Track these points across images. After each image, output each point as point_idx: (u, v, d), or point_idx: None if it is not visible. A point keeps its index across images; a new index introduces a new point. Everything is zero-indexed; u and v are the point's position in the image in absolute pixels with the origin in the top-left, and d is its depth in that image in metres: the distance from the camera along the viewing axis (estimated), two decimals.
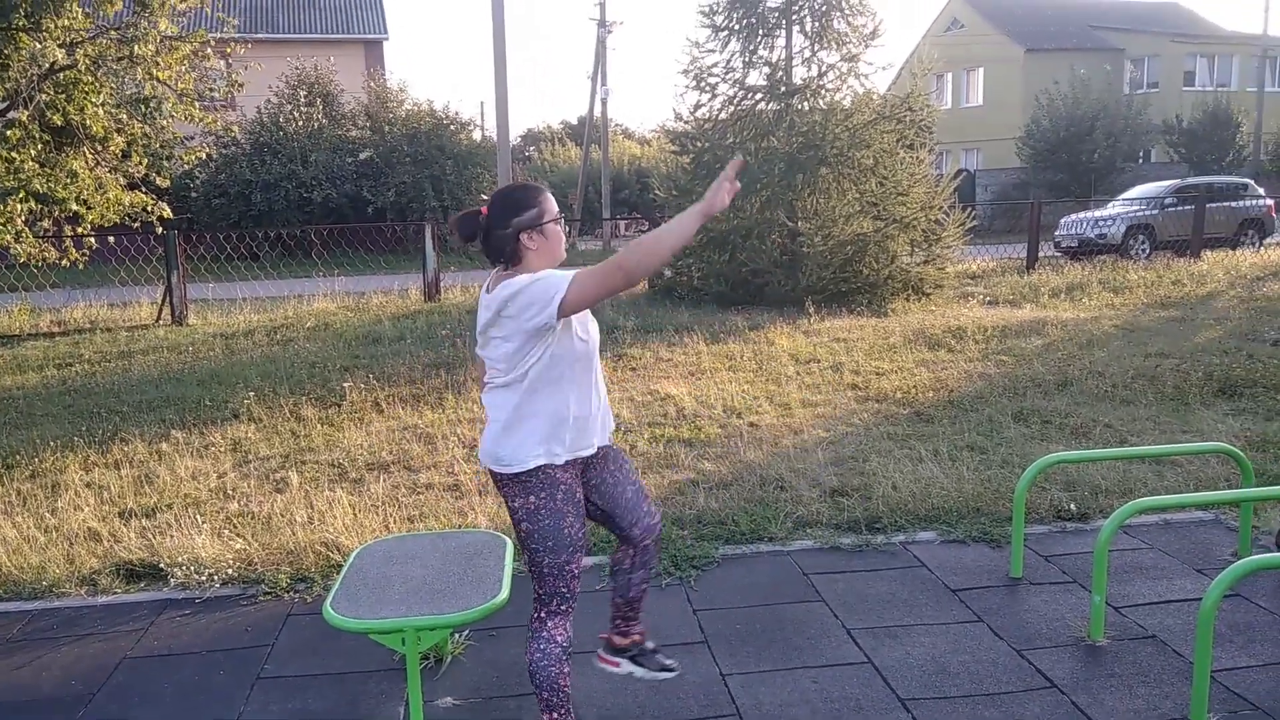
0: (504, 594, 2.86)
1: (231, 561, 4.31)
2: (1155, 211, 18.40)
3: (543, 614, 2.70)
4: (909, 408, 6.85)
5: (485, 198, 2.82)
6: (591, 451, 2.78)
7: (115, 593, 4.17)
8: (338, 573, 4.07)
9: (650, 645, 3.15)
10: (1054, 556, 4.28)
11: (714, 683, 3.29)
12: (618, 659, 3.10)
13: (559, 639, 2.69)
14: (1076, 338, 9.22)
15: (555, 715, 2.70)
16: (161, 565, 4.31)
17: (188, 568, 4.25)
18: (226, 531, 4.69)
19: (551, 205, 2.69)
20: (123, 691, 3.33)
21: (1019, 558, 4.09)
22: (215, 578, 4.19)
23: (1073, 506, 4.77)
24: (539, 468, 2.62)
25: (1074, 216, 19.49)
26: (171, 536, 4.59)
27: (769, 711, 3.10)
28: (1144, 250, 17.91)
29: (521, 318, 2.53)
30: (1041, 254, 16.35)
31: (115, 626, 3.83)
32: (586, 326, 2.74)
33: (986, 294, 12.57)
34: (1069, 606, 3.81)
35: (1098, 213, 19.06)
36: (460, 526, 4.64)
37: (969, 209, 13.65)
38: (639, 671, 3.09)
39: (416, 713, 2.83)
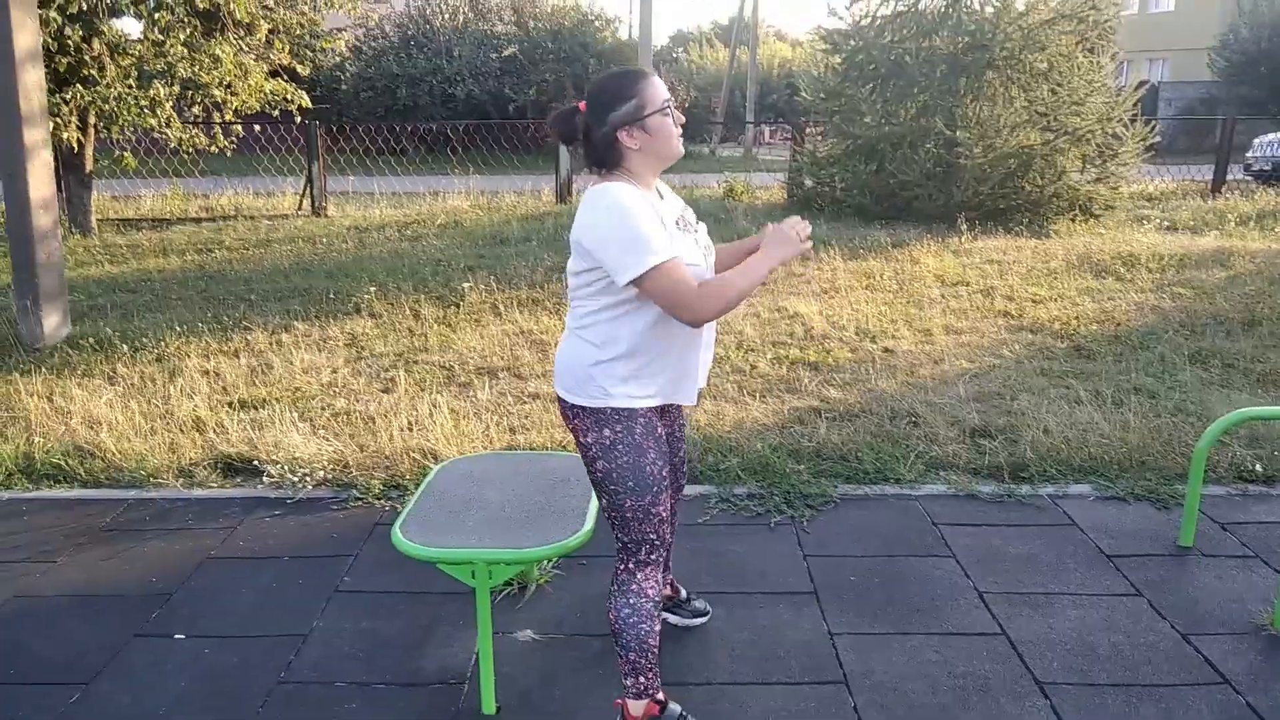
0: (587, 529, 2.55)
1: (327, 463, 4.17)
2: None
3: (630, 565, 2.37)
4: (1068, 341, 6.17)
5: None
6: (689, 402, 2.42)
7: (210, 486, 4.09)
8: None
9: (683, 594, 3.03)
10: (1232, 525, 3.69)
11: (820, 642, 2.93)
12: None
13: (650, 592, 2.36)
14: (1267, 271, 8.18)
15: (643, 679, 2.39)
16: (258, 461, 4.21)
17: (283, 466, 4.13)
18: (325, 430, 4.56)
19: (655, 94, 2.20)
20: (200, 594, 3.22)
21: (1191, 524, 3.52)
22: (309, 479, 4.06)
23: (1258, 467, 4.12)
24: (618, 406, 2.27)
25: (1270, 136, 17.48)
26: (272, 432, 4.49)
27: (880, 682, 2.73)
28: None
29: (596, 255, 2.17)
30: (1229, 177, 14.77)
31: (205, 523, 3.74)
32: (709, 257, 2.37)
33: (1164, 218, 11.39)
34: (1249, 586, 3.25)
35: None
36: (558, 446, 4.36)
37: (1151, 123, 12.31)
38: (673, 618, 2.98)
39: (486, 652, 2.57)
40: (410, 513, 2.66)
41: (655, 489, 2.30)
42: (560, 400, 2.35)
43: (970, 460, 4.25)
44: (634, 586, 2.36)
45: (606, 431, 2.27)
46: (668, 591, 3.01)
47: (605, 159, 2.24)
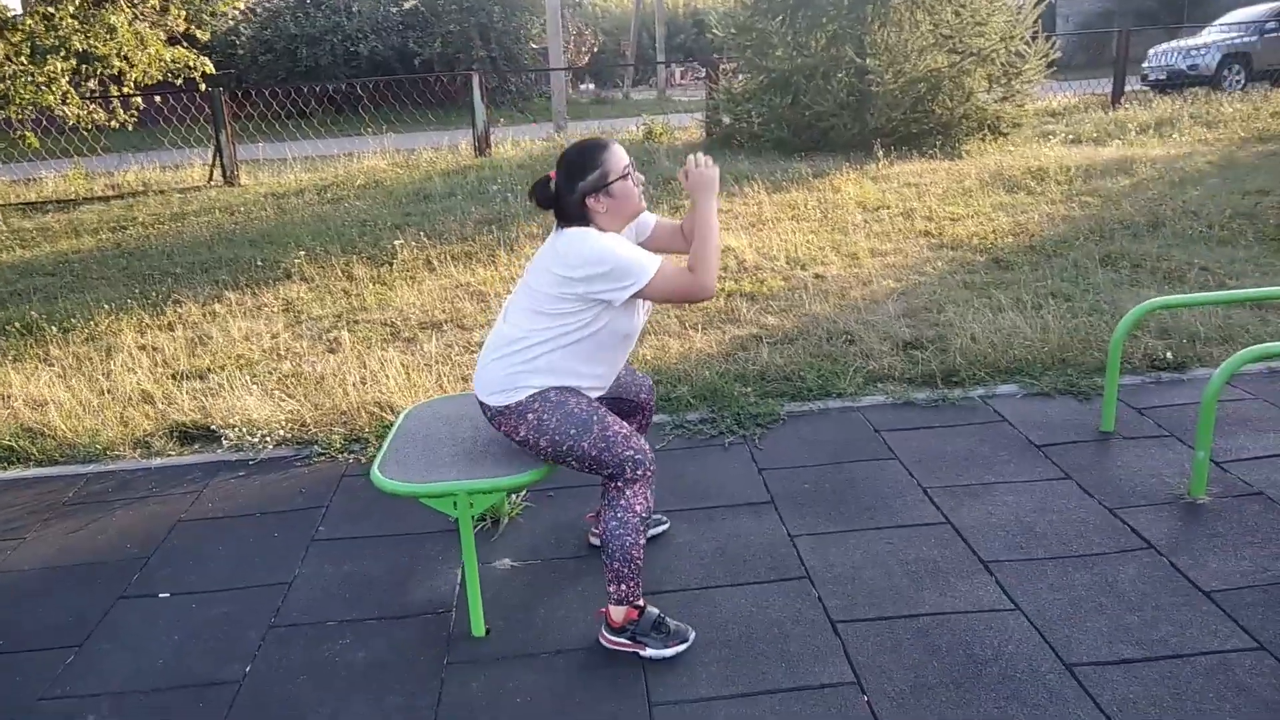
0: None
1: (284, 423, 4.21)
2: (1254, 38, 16.97)
3: (619, 484, 2.53)
4: (986, 254, 6.44)
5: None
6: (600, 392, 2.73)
7: (169, 455, 4.11)
8: None
9: None
10: (1148, 409, 3.99)
11: (781, 544, 3.12)
12: None
13: (638, 508, 2.53)
14: (1167, 176, 8.60)
15: (625, 587, 2.56)
16: (214, 427, 4.24)
17: (240, 429, 4.17)
18: (279, 393, 4.60)
19: (616, 163, 2.50)
20: (177, 555, 3.28)
21: (1111, 411, 3.79)
22: (268, 439, 4.11)
23: (1169, 355, 4.43)
24: (530, 395, 2.53)
25: (1163, 47, 18.09)
26: (224, 398, 4.51)
27: (840, 574, 2.93)
28: (1239, 81, 16.64)
29: (591, 284, 2.41)
30: (1127, 88, 15.29)
31: (169, 489, 3.78)
32: (647, 305, 2.64)
33: (1069, 132, 11.80)
34: (1166, 462, 3.54)
35: (1189, 41, 17.68)
36: None
37: (1051, 39, 12.66)
38: None
39: (472, 578, 2.70)
40: (386, 455, 2.75)
41: (594, 418, 2.50)
42: (481, 404, 2.59)
43: (905, 371, 4.47)
44: (623, 502, 2.52)
45: (530, 416, 2.51)
46: None
47: (575, 221, 2.51)
